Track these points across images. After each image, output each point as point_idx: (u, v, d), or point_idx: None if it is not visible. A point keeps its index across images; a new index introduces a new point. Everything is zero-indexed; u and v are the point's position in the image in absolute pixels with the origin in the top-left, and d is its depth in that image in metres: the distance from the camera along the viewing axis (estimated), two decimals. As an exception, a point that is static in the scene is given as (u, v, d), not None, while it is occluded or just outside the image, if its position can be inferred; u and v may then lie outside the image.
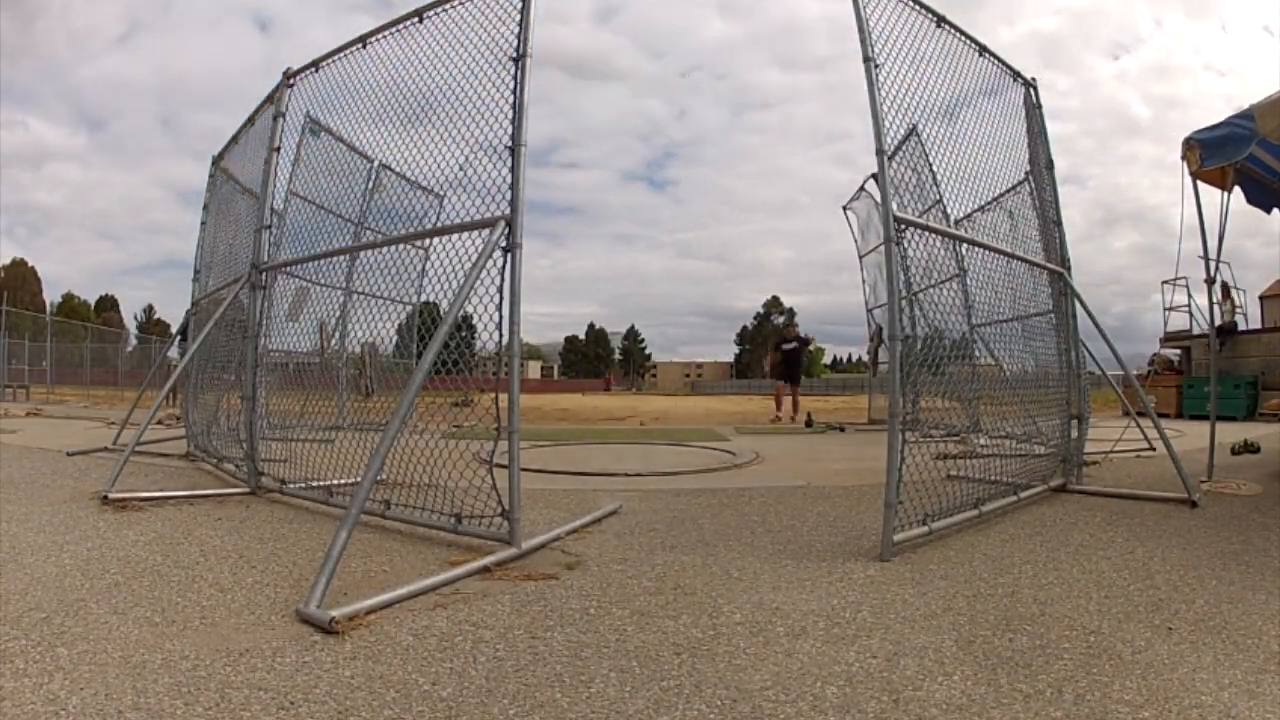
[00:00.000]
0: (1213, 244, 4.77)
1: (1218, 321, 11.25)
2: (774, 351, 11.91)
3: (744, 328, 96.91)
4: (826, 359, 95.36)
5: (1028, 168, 4.39)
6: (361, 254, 4.16)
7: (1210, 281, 4.91)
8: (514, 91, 2.89)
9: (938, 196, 3.89)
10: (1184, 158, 4.59)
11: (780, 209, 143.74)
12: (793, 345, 11.60)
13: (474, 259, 2.81)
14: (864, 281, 10.70)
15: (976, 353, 4.31)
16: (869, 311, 10.54)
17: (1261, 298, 16.68)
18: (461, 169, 3.05)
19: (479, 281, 2.77)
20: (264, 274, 4.14)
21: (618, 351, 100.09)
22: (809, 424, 10.39)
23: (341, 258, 4.32)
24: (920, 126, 3.39)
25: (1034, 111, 4.43)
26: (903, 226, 3.09)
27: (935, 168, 3.56)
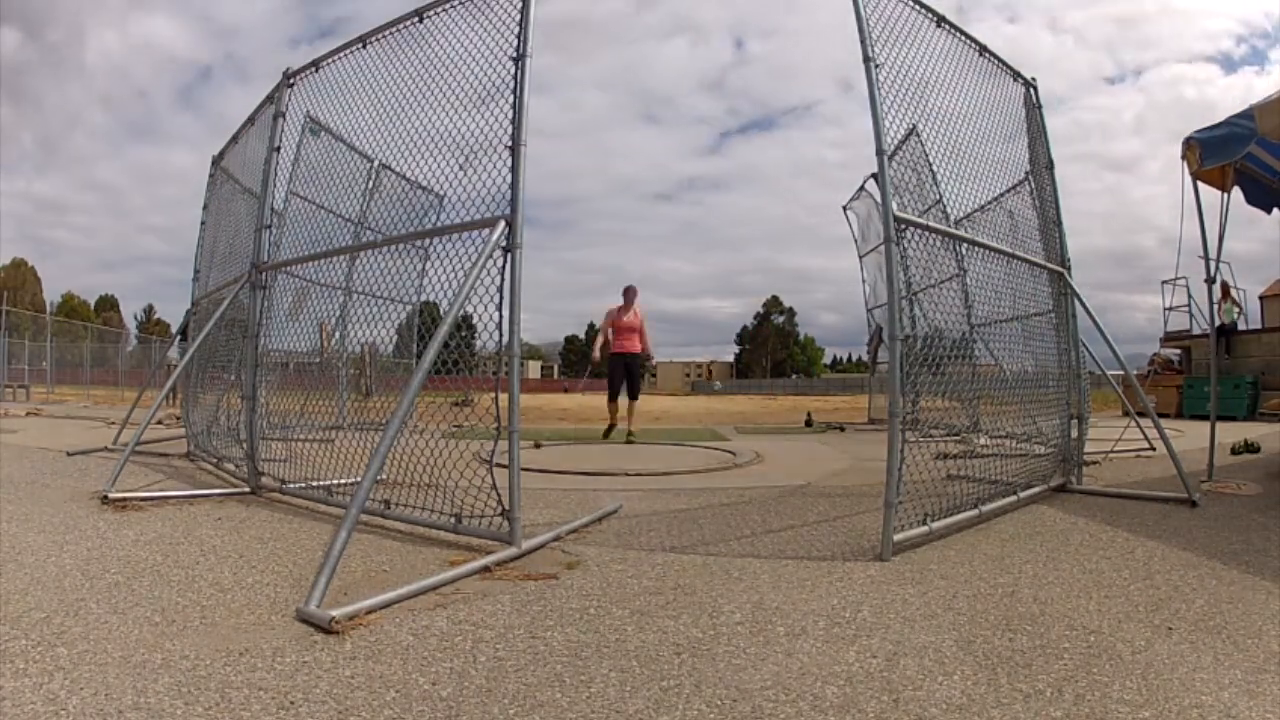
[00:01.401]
0: (1213, 244, 4.77)
1: (1219, 321, 11.26)
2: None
3: (744, 328, 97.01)
4: (826, 359, 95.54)
5: (1028, 167, 4.40)
6: (361, 254, 4.16)
7: (1210, 281, 4.91)
8: (514, 91, 2.89)
9: (938, 196, 3.89)
10: (1184, 158, 4.59)
11: (622, 236, 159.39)
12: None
13: (474, 259, 2.81)
14: (864, 281, 10.71)
15: (976, 352, 4.30)
16: (869, 311, 10.54)
17: (1261, 298, 16.68)
18: (461, 169, 3.05)
19: (479, 282, 2.78)
20: (264, 274, 4.15)
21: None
22: (809, 424, 10.39)
23: (341, 257, 4.31)
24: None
25: (1034, 111, 4.44)
26: (903, 226, 3.09)
27: (933, 160, 3.56)
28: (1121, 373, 4.96)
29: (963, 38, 3.71)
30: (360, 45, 3.67)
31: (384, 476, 3.19)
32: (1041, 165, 4.46)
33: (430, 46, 3.31)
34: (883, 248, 3.07)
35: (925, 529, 2.94)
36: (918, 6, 3.35)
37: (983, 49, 3.85)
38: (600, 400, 9.26)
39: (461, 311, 2.80)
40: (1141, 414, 5.59)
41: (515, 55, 2.91)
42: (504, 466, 2.75)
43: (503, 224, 2.81)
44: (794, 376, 78.75)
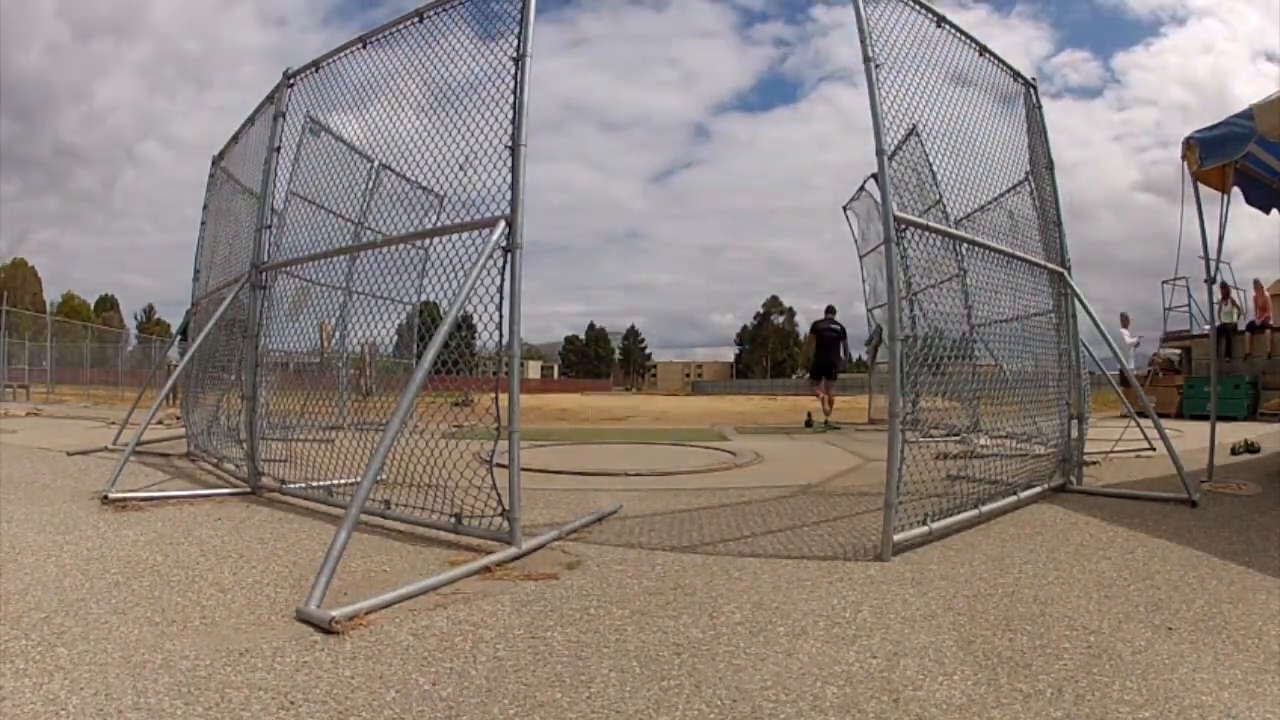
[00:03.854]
0: (1213, 244, 4.78)
1: (1219, 322, 11.23)
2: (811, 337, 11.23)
3: (744, 327, 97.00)
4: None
5: (1028, 168, 4.40)
6: (361, 254, 4.16)
7: (1210, 281, 4.91)
8: (514, 91, 2.89)
9: (938, 196, 3.89)
10: (1184, 158, 4.59)
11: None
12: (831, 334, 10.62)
13: (474, 259, 2.81)
14: (864, 281, 10.70)
15: (976, 353, 4.30)
16: (869, 311, 10.54)
17: (1262, 298, 16.62)
18: (461, 169, 3.05)
19: (479, 281, 2.78)
20: (264, 274, 4.15)
21: (618, 351, 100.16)
22: (809, 424, 10.39)
23: (341, 257, 4.31)
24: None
25: (1034, 112, 4.43)
26: (903, 226, 3.09)
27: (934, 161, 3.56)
28: (1121, 372, 4.96)
29: (963, 38, 3.71)
30: (360, 45, 3.67)
31: (384, 476, 3.19)
32: (1041, 165, 4.46)
33: (430, 46, 3.31)
34: (883, 248, 3.07)
35: (925, 529, 2.94)
36: (918, 6, 3.35)
37: (983, 49, 3.85)
38: (599, 401, 9.16)
39: (461, 311, 2.80)
40: (1141, 414, 5.59)
41: (515, 55, 2.91)
42: (504, 467, 2.75)
43: (503, 224, 2.81)
44: (794, 376, 78.68)
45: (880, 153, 2.94)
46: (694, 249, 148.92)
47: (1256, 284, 11.54)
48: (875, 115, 2.94)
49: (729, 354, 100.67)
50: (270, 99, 4.46)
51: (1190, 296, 12.52)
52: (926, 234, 3.31)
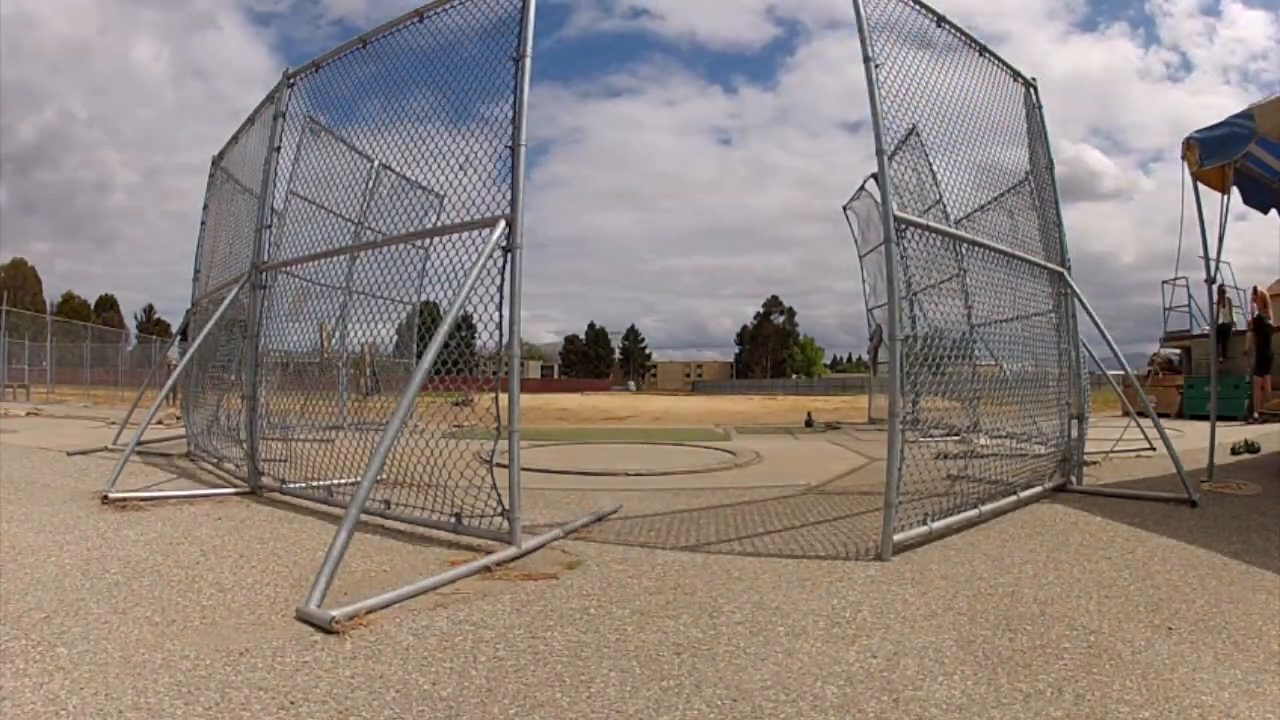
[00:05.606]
0: (1213, 244, 4.77)
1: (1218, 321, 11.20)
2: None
3: (744, 327, 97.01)
4: (826, 359, 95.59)
5: (1028, 168, 4.39)
6: (361, 254, 4.16)
7: (1210, 281, 4.91)
8: (514, 91, 2.89)
9: (938, 196, 3.88)
10: (1184, 158, 4.59)
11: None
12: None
13: (474, 259, 2.81)
14: (864, 281, 10.71)
15: (976, 352, 4.30)
16: (869, 311, 10.54)
17: (1262, 298, 16.58)
18: (462, 169, 3.05)
19: (479, 281, 2.78)
20: (264, 274, 4.14)
21: (618, 351, 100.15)
22: (809, 424, 10.40)
23: (341, 257, 4.31)
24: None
25: (1034, 112, 4.43)
26: (903, 226, 3.09)
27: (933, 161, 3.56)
28: (1121, 373, 4.96)
29: (963, 38, 3.71)
30: (360, 45, 3.67)
31: (384, 476, 3.19)
32: (1042, 166, 4.46)
33: (430, 47, 3.31)
34: (883, 248, 3.07)
35: (925, 529, 2.94)
36: (918, 6, 3.35)
37: (983, 49, 3.85)
38: (599, 401, 9.15)
39: (461, 311, 2.80)
40: (1141, 414, 5.59)
41: (515, 56, 2.91)
42: (504, 466, 2.75)
43: (503, 224, 2.81)
44: (794, 377, 78.69)
45: (880, 153, 2.93)
46: (571, 272, 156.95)
47: (1255, 290, 11.53)
48: (875, 115, 2.94)
49: (700, 355, 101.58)
50: (270, 99, 4.46)
51: (1190, 296, 12.51)
52: (926, 234, 3.31)
